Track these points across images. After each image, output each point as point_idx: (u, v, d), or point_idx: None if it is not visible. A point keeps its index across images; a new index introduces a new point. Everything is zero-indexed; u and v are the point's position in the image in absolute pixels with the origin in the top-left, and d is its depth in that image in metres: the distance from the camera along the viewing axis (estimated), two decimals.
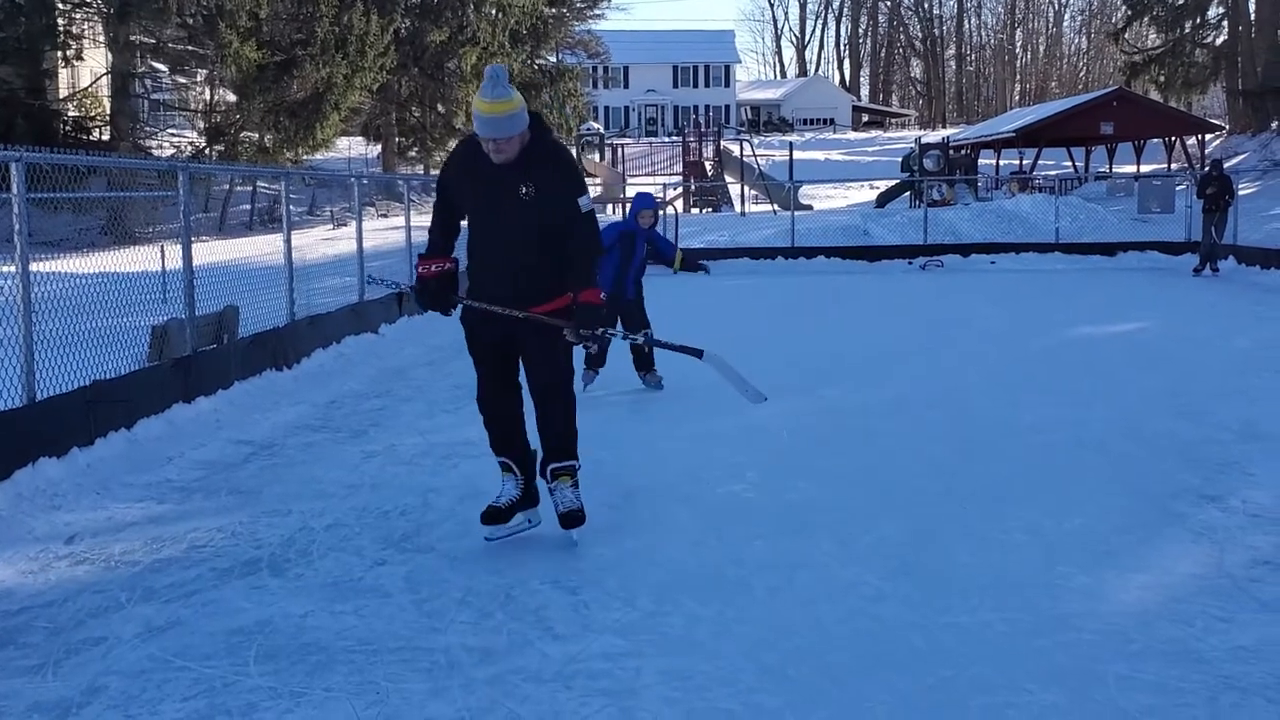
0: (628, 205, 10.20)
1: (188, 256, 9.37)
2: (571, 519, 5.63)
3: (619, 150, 49.62)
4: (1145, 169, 43.40)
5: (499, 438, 5.79)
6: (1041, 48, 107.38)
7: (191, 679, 4.15)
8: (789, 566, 5.31)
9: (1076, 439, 7.95)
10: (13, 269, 7.07)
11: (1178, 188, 28.75)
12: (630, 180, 43.30)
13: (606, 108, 78.79)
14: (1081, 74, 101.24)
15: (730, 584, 5.09)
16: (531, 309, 5.45)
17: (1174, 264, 23.64)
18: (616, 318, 9.61)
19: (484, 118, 5.27)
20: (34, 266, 7.23)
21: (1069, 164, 50.08)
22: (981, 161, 49.58)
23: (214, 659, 4.32)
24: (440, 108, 45.84)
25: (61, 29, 32.38)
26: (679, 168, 47.40)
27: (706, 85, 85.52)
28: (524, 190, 5.38)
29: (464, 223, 5.80)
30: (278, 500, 6.61)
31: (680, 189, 42.13)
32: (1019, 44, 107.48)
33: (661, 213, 28.55)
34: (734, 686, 4.02)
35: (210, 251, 11.74)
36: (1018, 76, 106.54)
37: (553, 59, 53.44)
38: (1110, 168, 46.74)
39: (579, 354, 9.39)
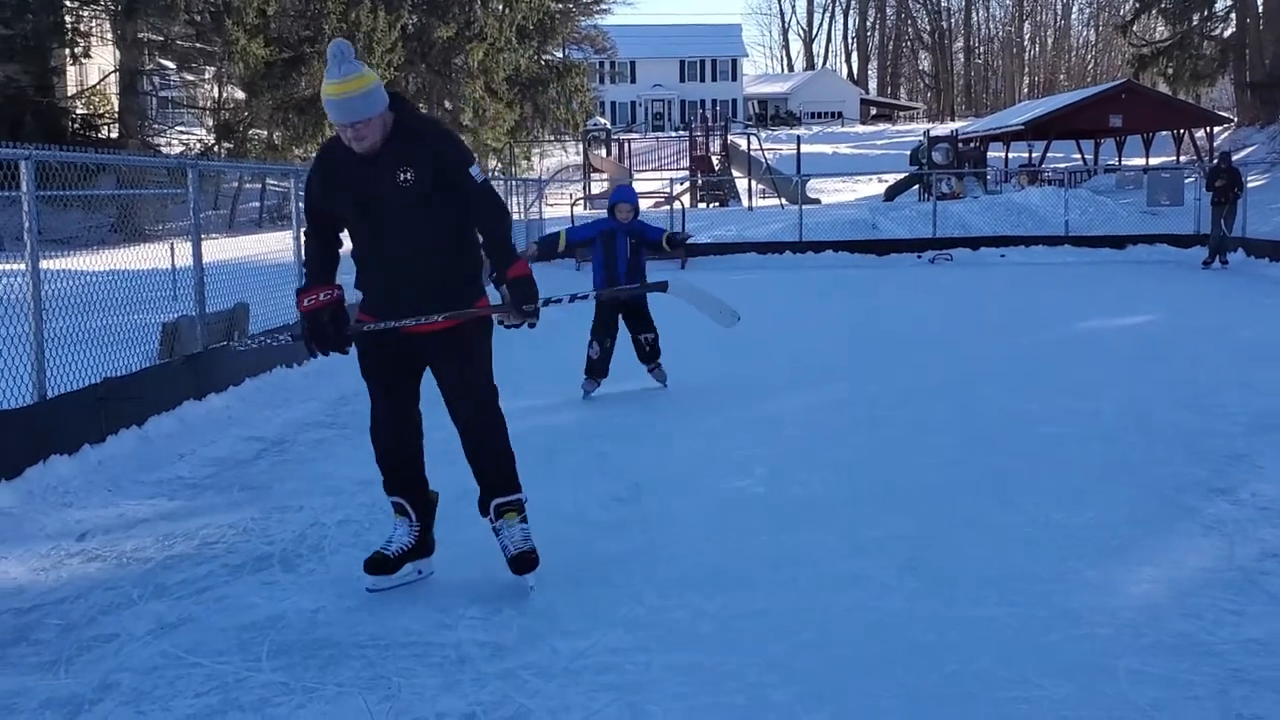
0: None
1: (198, 254, 9.40)
2: (524, 562, 4.93)
3: (626, 145, 49.62)
4: (1154, 162, 43.33)
5: (394, 475, 5.06)
6: (1050, 40, 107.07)
7: (204, 675, 4.16)
8: (796, 561, 5.31)
9: (1085, 432, 7.94)
10: (23, 266, 7.10)
11: (1187, 180, 28.73)
12: (637, 175, 43.29)
13: (613, 103, 78.76)
14: (1090, 66, 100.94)
15: (737, 578, 5.09)
16: (445, 318, 4.75)
17: (1183, 257, 23.59)
18: (618, 316, 9.48)
19: (336, 101, 4.55)
20: (44, 264, 7.27)
21: (1078, 157, 49.96)
22: (990, 154, 49.37)
23: (226, 655, 4.33)
24: (448, 104, 45.86)
25: (69, 26, 32.46)
26: (686, 162, 47.35)
27: (713, 79, 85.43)
28: (402, 177, 4.65)
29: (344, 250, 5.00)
30: (289, 496, 6.63)
31: (687, 184, 42.11)
32: (1027, 36, 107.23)
33: (668, 208, 28.70)
34: (741, 681, 4.03)
35: (220, 249, 11.78)
36: (1026, 69, 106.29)
37: (559, 54, 53.47)
38: (1119, 160, 46.67)
39: (577, 361, 9.41)
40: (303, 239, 4.99)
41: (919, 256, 25.28)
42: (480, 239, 4.90)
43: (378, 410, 5.03)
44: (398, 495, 5.08)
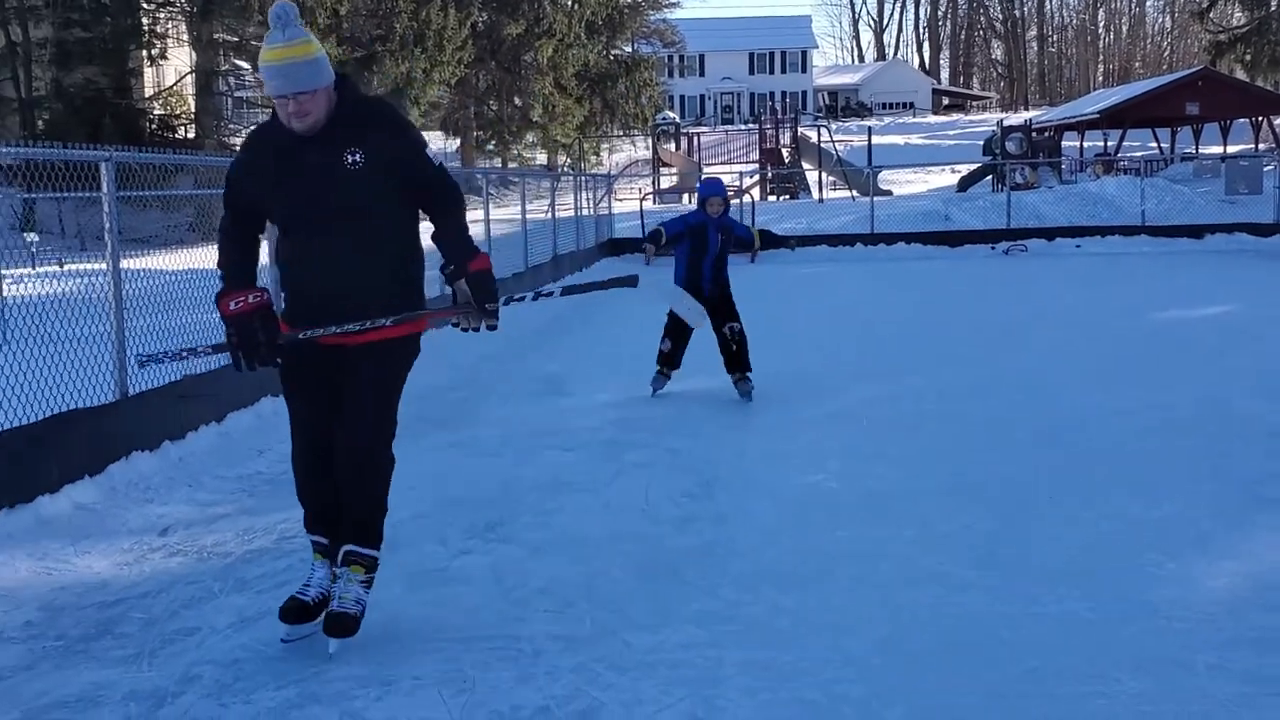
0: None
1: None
2: (341, 624, 4.26)
3: (695, 139, 49.56)
4: (1232, 149, 42.60)
5: (319, 510, 4.42)
6: (1124, 27, 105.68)
7: (284, 668, 4.22)
8: (871, 555, 5.29)
9: (1164, 423, 7.84)
10: (104, 266, 7.23)
11: (1265, 168, 28.22)
12: (707, 169, 43.24)
13: (682, 96, 78.73)
14: (1165, 53, 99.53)
15: (812, 573, 5.08)
16: (394, 323, 4.20)
17: (1262, 246, 23.23)
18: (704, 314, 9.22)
19: (278, 67, 3.98)
20: (124, 263, 7.40)
21: (1154, 145, 49.25)
22: (1065, 144, 48.88)
23: (305, 648, 4.38)
24: (517, 100, 46.11)
25: (146, 28, 32.97)
26: (755, 155, 47.22)
27: (783, 71, 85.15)
28: (350, 160, 4.10)
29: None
30: None
31: (757, 176, 42.00)
32: (1102, 24, 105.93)
33: (738, 201, 28.65)
34: (817, 676, 4.01)
35: None
36: (1101, 57, 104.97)
37: (628, 49, 53.57)
38: (1196, 148, 45.93)
39: (645, 358, 9.36)
40: (219, 236, 4.38)
41: (993, 248, 25.08)
42: (434, 230, 4.38)
43: (298, 436, 4.41)
44: (319, 534, 4.46)
